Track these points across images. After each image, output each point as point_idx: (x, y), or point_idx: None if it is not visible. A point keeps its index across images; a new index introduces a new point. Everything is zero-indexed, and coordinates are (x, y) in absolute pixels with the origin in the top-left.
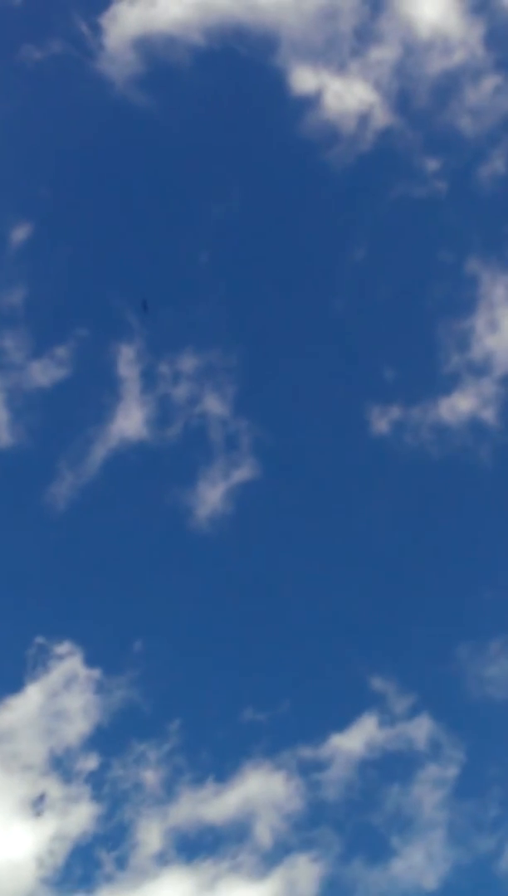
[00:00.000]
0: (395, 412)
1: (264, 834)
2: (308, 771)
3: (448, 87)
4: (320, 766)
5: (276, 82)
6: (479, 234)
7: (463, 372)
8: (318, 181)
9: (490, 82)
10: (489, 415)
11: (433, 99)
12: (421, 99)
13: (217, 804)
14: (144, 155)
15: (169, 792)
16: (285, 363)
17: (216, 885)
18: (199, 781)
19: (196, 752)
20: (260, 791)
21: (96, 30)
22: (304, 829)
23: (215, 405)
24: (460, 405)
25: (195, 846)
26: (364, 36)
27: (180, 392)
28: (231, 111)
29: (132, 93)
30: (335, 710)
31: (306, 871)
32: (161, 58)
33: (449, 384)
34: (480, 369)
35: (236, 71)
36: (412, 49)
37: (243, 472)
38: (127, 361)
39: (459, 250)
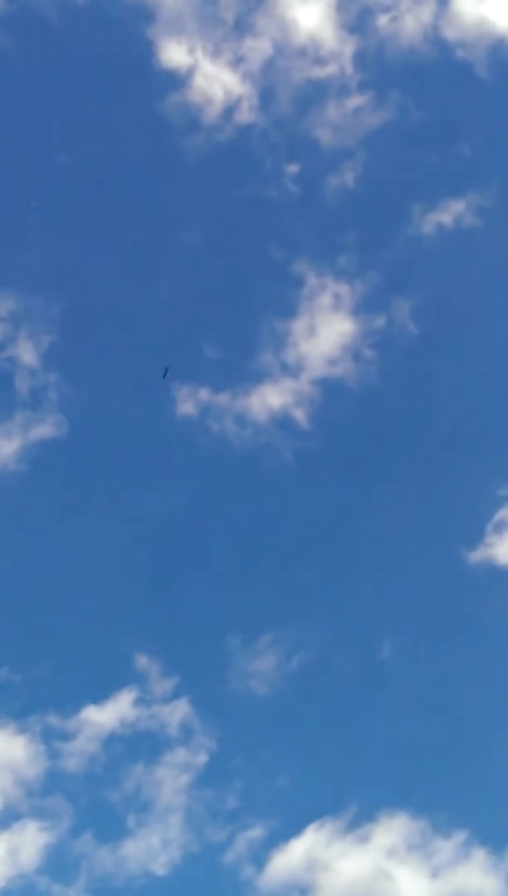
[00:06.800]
0: (203, 395)
1: None
2: (53, 739)
3: (313, 96)
4: (66, 735)
5: (146, 52)
6: (315, 240)
7: (276, 369)
8: (172, 161)
9: (352, 101)
10: (299, 415)
11: (296, 105)
12: (285, 103)
13: None
14: None
15: None
16: (104, 325)
17: None
18: None
19: None
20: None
21: None
22: (37, 797)
23: (26, 353)
24: (269, 400)
25: None
26: (241, 26)
27: None
28: (95, 69)
29: None
30: (94, 682)
31: (32, 838)
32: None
33: (261, 378)
34: (294, 369)
35: (106, 31)
36: (284, 51)
37: (45, 429)
38: None
39: (291, 252)
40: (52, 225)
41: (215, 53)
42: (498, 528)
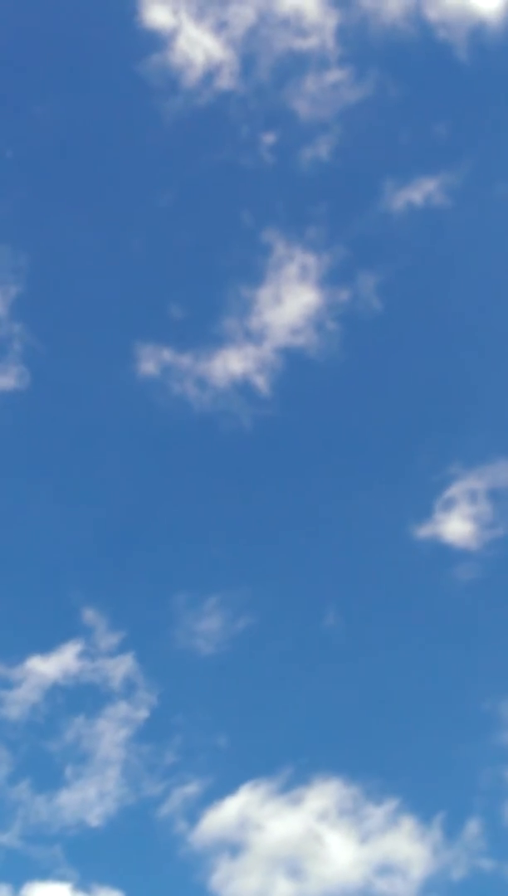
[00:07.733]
0: (166, 355)
1: None
2: None
3: (293, 68)
4: (9, 684)
5: (129, 10)
6: (286, 209)
7: (240, 335)
8: (149, 122)
9: (332, 75)
10: (260, 382)
11: (276, 75)
12: (265, 72)
13: None
14: None
15: None
16: (72, 279)
17: None
18: None
19: None
20: None
21: None
22: None
23: None
24: (231, 365)
25: None
26: None
27: None
28: (77, 23)
29: None
30: (41, 633)
31: None
32: None
33: (224, 342)
34: (257, 336)
35: None
36: (268, 19)
37: (6, 381)
38: None
39: (261, 220)
40: (25, 176)
41: (199, 17)
42: (447, 506)
